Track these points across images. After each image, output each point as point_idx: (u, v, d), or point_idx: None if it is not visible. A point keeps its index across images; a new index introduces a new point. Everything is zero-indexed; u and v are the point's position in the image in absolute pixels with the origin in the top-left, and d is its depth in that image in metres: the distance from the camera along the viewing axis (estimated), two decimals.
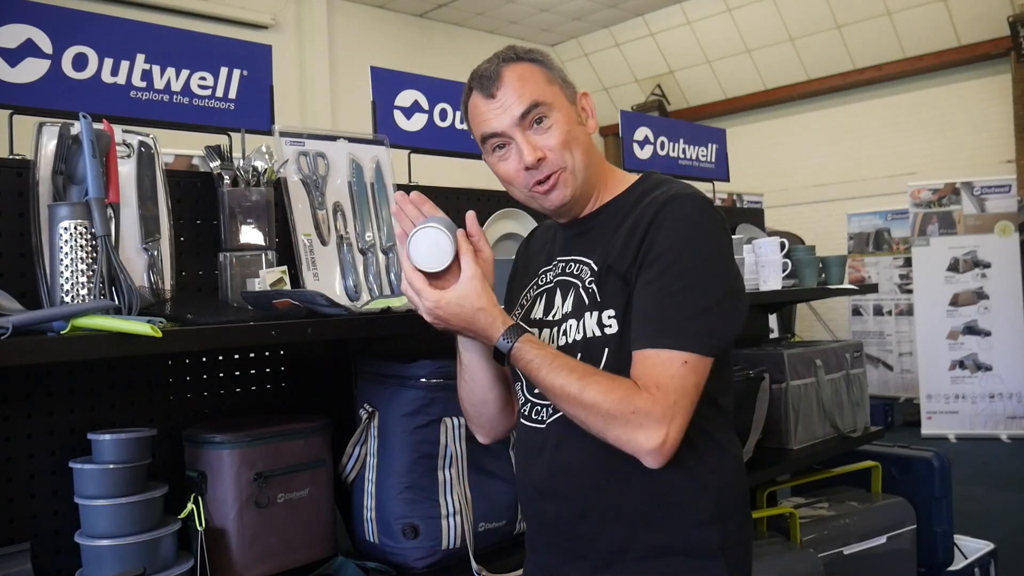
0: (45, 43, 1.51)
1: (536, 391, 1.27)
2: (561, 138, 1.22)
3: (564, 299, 1.27)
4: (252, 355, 1.76)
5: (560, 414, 1.23)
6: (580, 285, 1.25)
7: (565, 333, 1.24)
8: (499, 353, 1.20)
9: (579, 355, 1.21)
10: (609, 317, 1.19)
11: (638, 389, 1.11)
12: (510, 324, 1.19)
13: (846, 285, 2.92)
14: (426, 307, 1.20)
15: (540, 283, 1.34)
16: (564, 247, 1.32)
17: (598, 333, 1.20)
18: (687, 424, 1.12)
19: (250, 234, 1.63)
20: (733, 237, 1.83)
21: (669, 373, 1.10)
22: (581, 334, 1.22)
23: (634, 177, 1.32)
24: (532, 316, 1.33)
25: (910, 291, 7.17)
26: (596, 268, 1.23)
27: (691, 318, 1.13)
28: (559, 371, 1.14)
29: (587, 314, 1.22)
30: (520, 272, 1.45)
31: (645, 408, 1.09)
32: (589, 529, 1.22)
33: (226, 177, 1.61)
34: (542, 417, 1.27)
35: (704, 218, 1.18)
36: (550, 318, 1.29)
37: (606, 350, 1.19)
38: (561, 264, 1.30)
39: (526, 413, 1.31)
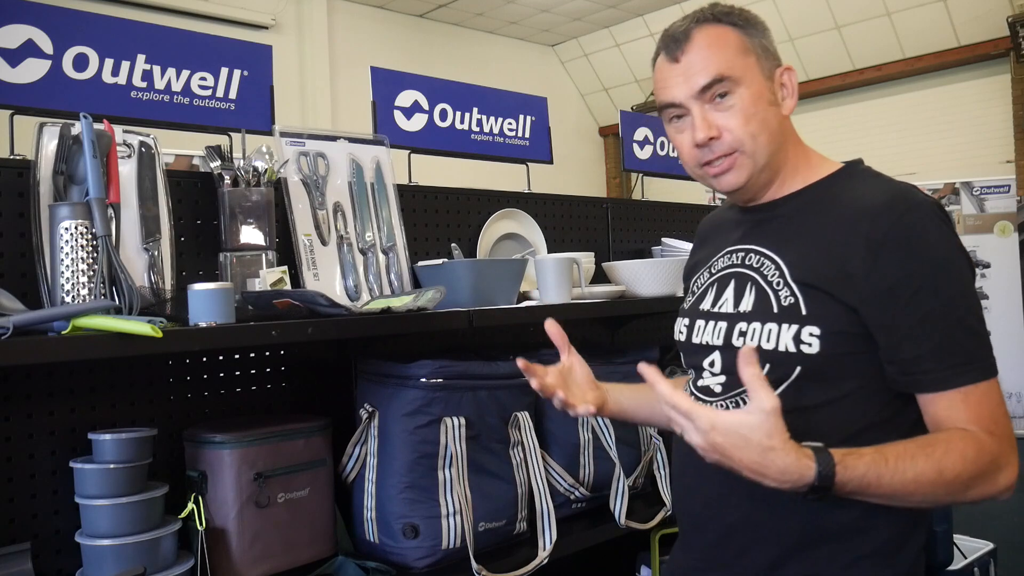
0: (46, 43, 1.51)
1: (702, 385, 1.17)
2: (742, 118, 1.09)
3: (739, 293, 1.14)
4: (252, 355, 1.76)
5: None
6: (763, 282, 1.11)
7: (743, 334, 1.11)
8: (816, 487, 0.96)
9: (765, 367, 1.03)
10: (811, 335, 1.05)
11: (982, 438, 1.02)
12: (814, 455, 0.96)
13: None
14: (700, 429, 0.95)
15: (712, 270, 1.21)
16: (743, 234, 1.19)
17: (792, 349, 1.06)
18: None
19: (250, 234, 1.63)
20: None
21: (996, 405, 1.04)
22: (771, 344, 1.07)
23: (834, 164, 1.19)
24: (700, 307, 1.21)
25: None
26: (787, 270, 1.09)
27: (982, 342, 1.06)
28: (900, 467, 0.99)
29: (782, 325, 1.07)
30: (696, 258, 1.33)
31: (996, 453, 1.02)
32: (738, 543, 1.14)
33: (226, 177, 1.62)
34: None
35: (947, 228, 1.07)
36: (717, 310, 1.17)
37: (798, 369, 1.06)
38: (740, 253, 1.17)
39: None
